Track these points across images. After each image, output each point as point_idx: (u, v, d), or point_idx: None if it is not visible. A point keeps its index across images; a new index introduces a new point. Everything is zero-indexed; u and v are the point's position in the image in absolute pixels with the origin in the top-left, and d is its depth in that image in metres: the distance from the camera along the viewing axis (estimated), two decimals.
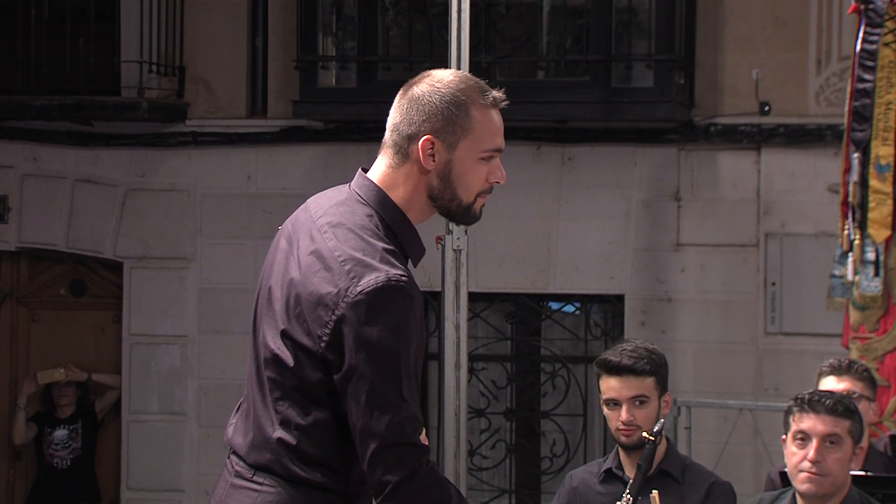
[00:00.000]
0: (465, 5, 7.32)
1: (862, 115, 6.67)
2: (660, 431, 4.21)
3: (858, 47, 6.73)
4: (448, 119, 3.18)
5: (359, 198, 3.23)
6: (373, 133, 8.94)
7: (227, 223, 9.19)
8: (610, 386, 4.49)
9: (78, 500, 9.32)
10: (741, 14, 8.68)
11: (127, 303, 9.43)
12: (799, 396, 4.46)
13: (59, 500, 9.25)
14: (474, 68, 7.63)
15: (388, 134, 3.25)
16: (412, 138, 3.18)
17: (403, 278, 3.07)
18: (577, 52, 8.71)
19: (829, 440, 4.37)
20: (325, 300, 3.09)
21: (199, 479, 9.21)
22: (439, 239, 7.50)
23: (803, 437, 4.38)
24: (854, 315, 6.73)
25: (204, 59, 9.28)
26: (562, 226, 8.82)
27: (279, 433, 3.16)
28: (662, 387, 4.51)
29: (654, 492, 4.13)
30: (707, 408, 8.31)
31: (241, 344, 8.55)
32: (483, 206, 3.28)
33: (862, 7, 6.70)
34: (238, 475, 3.23)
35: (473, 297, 7.71)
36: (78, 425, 9.30)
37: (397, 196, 3.21)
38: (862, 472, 4.75)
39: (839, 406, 4.40)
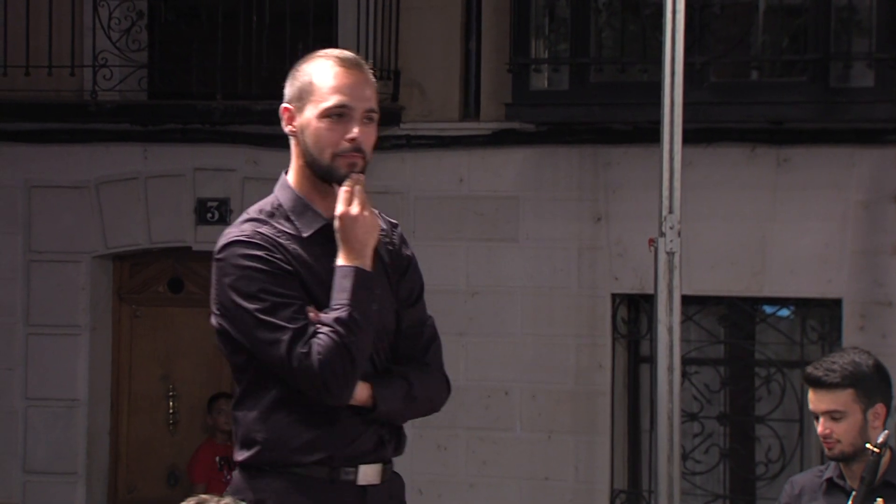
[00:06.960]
0: (680, 6, 7.26)
1: None
2: (884, 443, 4.14)
3: None
4: (297, 87, 3.59)
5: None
6: (585, 135, 8.91)
7: (440, 225, 9.27)
8: (810, 398, 4.51)
9: None
10: None
11: None
12: None
13: None
14: (688, 69, 7.56)
15: None
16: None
17: (241, 235, 3.47)
18: (794, 52, 8.57)
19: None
20: None
21: None
22: (652, 241, 7.45)
23: None
24: None
25: (418, 63, 9.39)
26: (776, 228, 8.68)
27: None
28: (867, 399, 4.43)
29: (879, 500, 4.06)
30: None
31: (452, 344, 8.62)
32: (356, 166, 3.59)
33: None
34: None
35: (686, 300, 7.64)
36: None
37: (292, 173, 3.63)
38: None
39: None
